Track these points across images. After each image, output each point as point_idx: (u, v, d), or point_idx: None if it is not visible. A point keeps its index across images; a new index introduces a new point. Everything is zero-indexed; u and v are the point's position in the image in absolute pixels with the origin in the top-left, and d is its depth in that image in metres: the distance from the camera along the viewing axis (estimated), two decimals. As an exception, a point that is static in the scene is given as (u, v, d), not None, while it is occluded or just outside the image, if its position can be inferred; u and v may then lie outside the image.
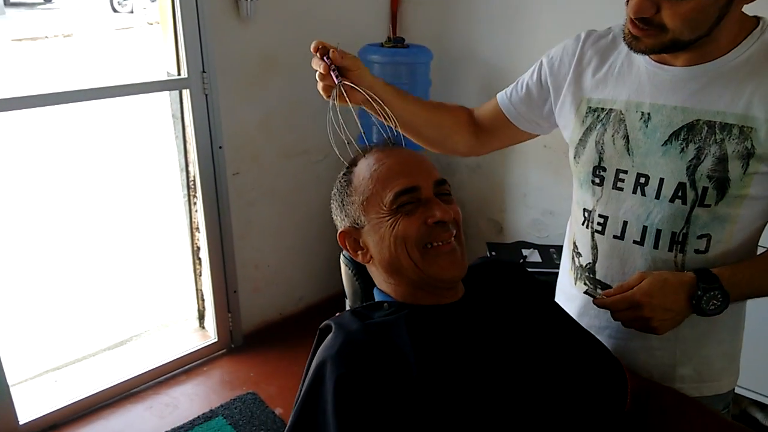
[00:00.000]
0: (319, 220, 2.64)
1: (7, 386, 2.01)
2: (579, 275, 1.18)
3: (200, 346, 2.52)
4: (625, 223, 1.06)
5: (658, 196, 1.01)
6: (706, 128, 0.96)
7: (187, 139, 2.30)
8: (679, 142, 0.98)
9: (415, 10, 2.66)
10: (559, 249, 1.53)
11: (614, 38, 1.10)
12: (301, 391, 0.88)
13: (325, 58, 1.05)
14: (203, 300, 2.61)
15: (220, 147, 2.28)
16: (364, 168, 0.98)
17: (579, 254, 1.17)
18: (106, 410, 2.22)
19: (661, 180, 1.01)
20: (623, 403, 1.03)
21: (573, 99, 1.13)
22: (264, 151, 2.44)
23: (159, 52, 2.24)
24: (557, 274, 1.30)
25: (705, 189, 0.97)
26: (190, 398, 2.30)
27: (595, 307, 1.06)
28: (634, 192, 1.04)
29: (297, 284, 2.75)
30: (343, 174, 1.02)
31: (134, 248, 3.61)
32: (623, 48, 1.04)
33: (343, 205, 1.00)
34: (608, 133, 1.06)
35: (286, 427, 0.85)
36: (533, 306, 1.06)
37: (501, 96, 1.27)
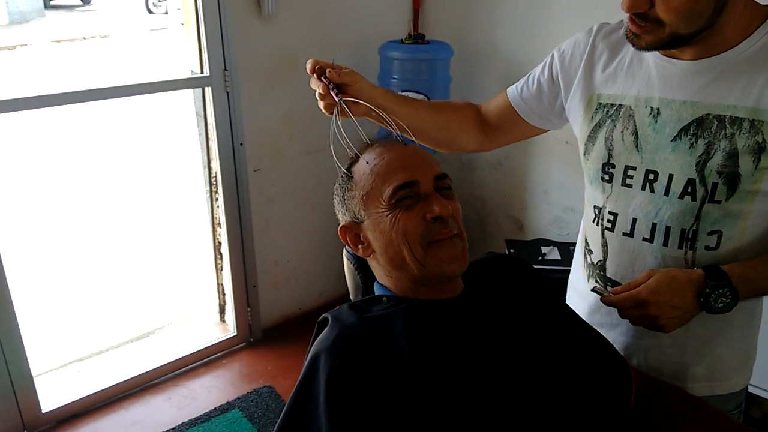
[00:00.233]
0: (339, 217, 2.65)
1: (31, 376, 2.07)
2: (591, 273, 1.16)
3: (220, 340, 2.56)
4: (635, 220, 1.04)
5: (667, 193, 0.99)
6: (716, 123, 0.93)
7: (210, 136, 2.33)
8: (689, 137, 0.96)
9: (437, 7, 2.65)
10: (579, 247, 1.51)
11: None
12: None
13: (322, 77, 1.05)
14: (224, 294, 2.64)
15: (241, 144, 2.31)
16: (365, 163, 0.98)
17: (590, 251, 1.16)
18: (126, 401, 2.27)
19: (671, 176, 0.98)
20: (627, 402, 1.01)
21: (583, 94, 1.11)
22: (285, 148, 2.46)
23: (184, 50, 2.28)
24: (575, 272, 1.28)
25: (715, 185, 0.94)
26: (209, 390, 2.34)
27: (616, 308, 1.04)
28: (643, 189, 1.02)
29: (316, 280, 2.77)
30: (345, 169, 1.02)
31: (159, 243, 3.68)
32: None
33: (344, 199, 1.01)
34: (617, 129, 1.04)
35: (280, 417, 0.86)
36: (537, 302, 1.05)
37: (511, 91, 1.25)
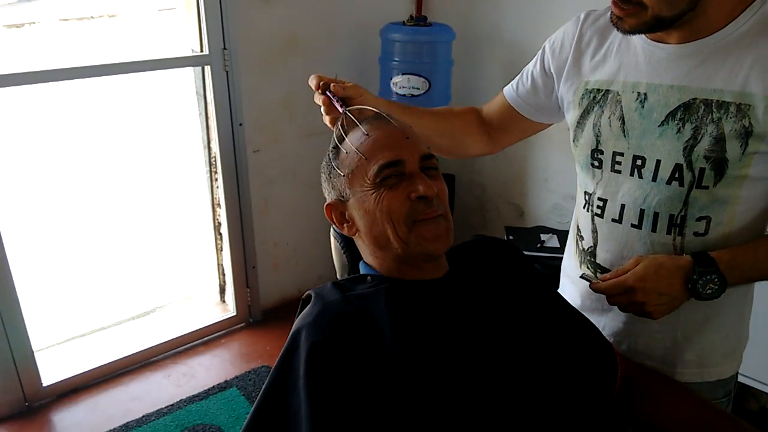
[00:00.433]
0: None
1: (32, 351, 2.10)
2: (582, 259, 1.16)
3: (220, 319, 2.58)
4: (623, 206, 1.04)
5: (654, 179, 0.99)
6: (703, 107, 0.93)
7: (209, 115, 2.34)
8: (676, 122, 0.95)
9: (441, -10, 2.63)
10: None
11: None
12: None
13: (327, 92, 1.06)
14: (224, 275, 2.66)
15: (241, 124, 2.31)
16: (351, 141, 0.98)
17: (581, 238, 1.16)
18: (126, 377, 2.30)
19: (658, 162, 0.98)
20: (612, 388, 1.02)
21: (572, 82, 1.11)
22: (285, 130, 2.46)
23: (185, 29, 2.28)
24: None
25: (702, 170, 0.94)
26: (207, 369, 2.36)
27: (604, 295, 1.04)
28: (632, 174, 1.02)
29: (316, 263, 2.78)
30: (332, 147, 1.02)
31: (162, 222, 3.70)
32: None
33: (330, 177, 1.01)
34: (605, 115, 1.04)
35: (261, 391, 0.87)
36: (523, 286, 1.05)
37: (508, 90, 1.25)
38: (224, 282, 2.68)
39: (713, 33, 0.92)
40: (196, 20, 2.16)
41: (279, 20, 2.28)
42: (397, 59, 2.34)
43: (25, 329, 2.06)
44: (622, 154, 1.02)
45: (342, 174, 0.97)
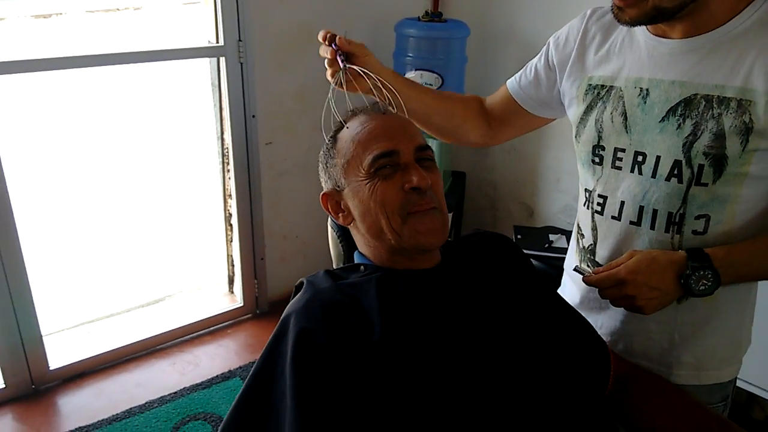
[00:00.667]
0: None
1: (41, 335, 2.13)
2: (582, 257, 1.15)
3: (227, 310, 2.60)
4: (623, 203, 1.03)
5: (654, 175, 0.97)
6: (703, 102, 0.91)
7: (223, 107, 2.35)
8: (676, 118, 0.94)
9: (459, -15, 2.62)
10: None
11: None
12: None
13: (333, 45, 1.06)
14: (233, 266, 2.68)
15: (253, 116, 2.32)
16: (348, 131, 0.98)
17: (582, 236, 1.15)
18: (131, 363, 2.32)
19: (658, 158, 0.96)
20: (604, 386, 1.00)
21: (576, 77, 1.10)
22: (297, 123, 2.46)
23: (201, 20, 2.30)
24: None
25: (701, 167, 0.92)
26: (212, 358, 2.38)
27: (596, 288, 1.03)
28: (632, 171, 1.00)
29: (324, 257, 2.73)
30: (330, 136, 1.02)
31: (175, 212, 3.73)
32: None
33: (327, 167, 1.01)
34: (607, 111, 1.03)
35: (248, 376, 0.87)
36: (517, 280, 1.04)
37: (511, 82, 1.25)
38: (233, 273, 2.70)
39: (716, 28, 0.90)
40: (213, 11, 2.18)
41: (294, 13, 2.29)
42: (411, 55, 2.34)
43: (35, 313, 2.09)
44: (623, 150, 1.01)
45: (338, 164, 0.97)
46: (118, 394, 2.16)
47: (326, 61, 1.08)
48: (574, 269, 1.08)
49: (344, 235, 1.08)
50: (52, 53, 1.94)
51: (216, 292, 2.77)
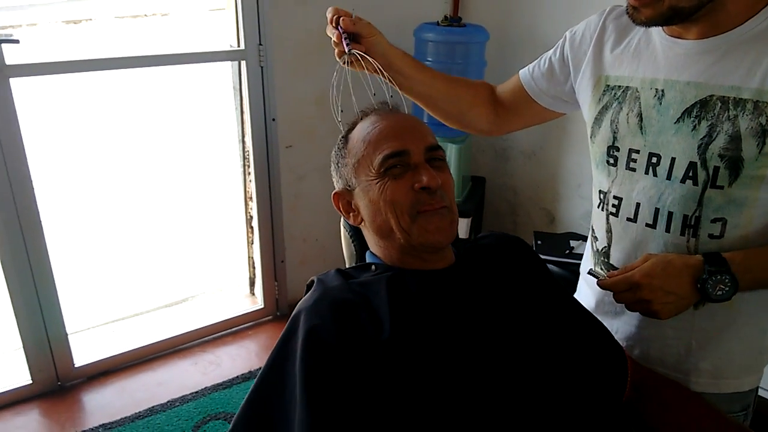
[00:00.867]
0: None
1: (66, 333, 2.18)
2: (596, 260, 1.14)
3: (248, 311, 2.63)
4: (638, 204, 1.02)
5: (669, 177, 0.96)
6: (719, 104, 0.90)
7: (244, 110, 2.38)
8: (692, 119, 0.93)
9: (479, -10, 2.62)
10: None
11: None
12: None
13: (338, 27, 1.06)
14: (254, 268, 2.71)
15: (274, 119, 2.35)
16: (359, 131, 0.99)
17: (596, 238, 1.14)
18: (154, 362, 2.36)
19: (673, 159, 0.96)
20: (621, 392, 0.99)
21: (591, 75, 1.09)
22: (317, 127, 2.48)
23: (223, 24, 2.33)
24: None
25: (716, 169, 0.91)
26: (233, 359, 2.41)
27: (611, 292, 1.02)
28: (647, 172, 1.00)
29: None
30: (342, 136, 1.03)
31: (198, 214, 3.79)
32: None
33: (338, 166, 1.02)
34: (623, 112, 1.02)
35: (259, 373, 0.89)
36: (533, 283, 1.04)
37: (523, 72, 1.25)
38: (254, 275, 2.73)
39: (732, 28, 0.90)
40: (234, 15, 2.22)
41: (313, 18, 2.30)
42: (430, 59, 2.34)
43: (61, 312, 2.14)
44: (638, 152, 1.00)
45: (349, 163, 0.98)
46: (141, 392, 2.20)
47: (332, 42, 1.09)
48: (588, 272, 1.08)
49: (356, 234, 1.09)
50: (78, 56, 1.99)
51: (237, 293, 2.80)
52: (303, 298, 0.93)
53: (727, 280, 0.89)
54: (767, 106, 0.86)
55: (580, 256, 2.18)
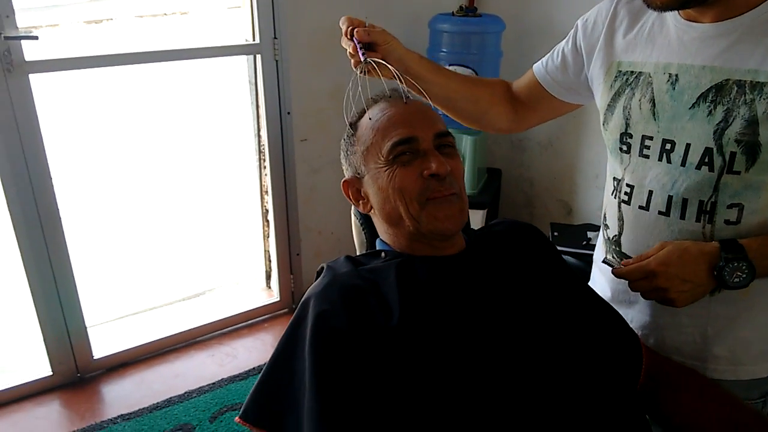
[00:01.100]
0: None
1: (85, 326, 2.21)
2: (608, 248, 1.12)
3: (264, 304, 2.64)
4: (651, 192, 1.00)
5: (684, 163, 0.94)
6: (735, 88, 0.88)
7: (259, 104, 2.39)
8: (707, 104, 0.91)
9: (494, -20, 2.60)
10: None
11: None
12: None
13: (353, 39, 1.05)
14: (270, 261, 2.72)
15: (288, 113, 2.35)
16: (368, 118, 0.99)
17: (607, 226, 1.12)
18: (171, 354, 2.39)
19: (688, 145, 0.94)
20: (636, 379, 0.98)
21: (604, 61, 1.07)
22: (331, 120, 2.48)
23: (239, 18, 2.34)
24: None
25: (733, 154, 0.89)
26: (249, 351, 2.42)
27: (626, 281, 1.00)
28: (660, 159, 0.98)
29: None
30: (351, 124, 1.03)
31: (216, 208, 3.81)
32: None
33: (347, 154, 1.02)
34: (636, 98, 1.00)
35: (269, 358, 0.89)
36: (545, 270, 1.02)
37: (537, 66, 1.23)
38: (270, 268, 2.74)
39: (749, 10, 0.87)
40: (249, 9, 2.22)
41: (328, 11, 2.30)
42: (444, 50, 2.33)
43: (80, 306, 2.17)
44: (651, 138, 0.98)
45: (358, 151, 0.98)
46: (159, 383, 2.22)
47: (348, 52, 1.08)
48: (603, 261, 1.06)
49: (367, 222, 1.09)
50: (96, 51, 2.01)
51: (253, 286, 2.82)
52: (313, 284, 0.93)
53: (744, 267, 0.87)
54: None
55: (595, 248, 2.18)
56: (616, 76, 1.04)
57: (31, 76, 1.84)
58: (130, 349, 2.33)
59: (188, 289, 2.78)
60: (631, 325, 1.05)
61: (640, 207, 1.02)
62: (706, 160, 0.92)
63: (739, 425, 0.93)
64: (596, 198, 2.48)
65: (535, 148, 2.65)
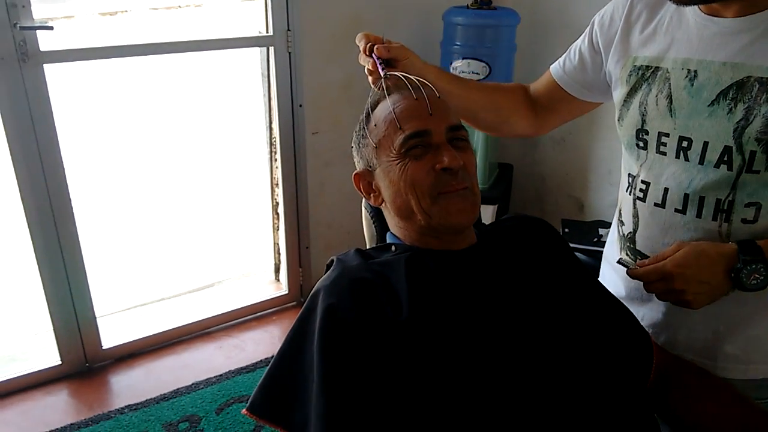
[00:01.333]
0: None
1: (95, 316, 2.22)
2: (622, 245, 1.11)
3: (272, 297, 2.64)
4: (666, 189, 0.98)
5: (702, 162, 0.92)
6: (757, 86, 0.86)
7: (272, 96, 2.38)
8: (727, 102, 0.88)
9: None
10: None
11: None
12: None
13: (372, 54, 1.04)
14: (279, 254, 2.72)
15: (300, 105, 2.34)
16: (380, 111, 0.97)
17: (622, 223, 1.10)
18: (179, 345, 2.39)
19: (705, 144, 0.91)
20: (646, 377, 0.97)
21: (620, 57, 1.05)
22: (344, 113, 2.47)
23: (253, 10, 2.34)
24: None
25: (753, 153, 0.87)
26: (257, 343, 2.42)
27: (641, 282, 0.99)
28: (677, 157, 0.96)
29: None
30: (363, 116, 1.02)
31: (226, 200, 3.82)
32: None
33: (359, 147, 1.01)
34: (652, 94, 0.98)
35: (278, 350, 0.88)
36: (556, 266, 1.01)
37: (554, 67, 1.21)
38: (279, 261, 2.74)
39: None
40: (263, 2, 2.21)
41: (342, 3, 2.29)
42: (458, 43, 2.31)
43: (90, 296, 2.18)
44: (667, 135, 0.96)
45: (370, 144, 0.97)
46: (166, 374, 2.23)
47: (366, 69, 1.07)
48: (618, 262, 1.05)
49: (377, 215, 1.08)
50: (104, 42, 2.01)
51: (262, 279, 2.82)
52: (322, 277, 0.92)
53: (762, 270, 0.86)
54: None
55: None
56: (631, 71, 1.02)
57: (45, 66, 1.85)
58: (138, 339, 2.34)
59: (197, 280, 2.79)
60: (642, 323, 1.04)
61: (656, 204, 1.00)
62: (725, 158, 0.90)
63: (749, 425, 0.91)
64: (608, 195, 2.45)
65: (548, 144, 2.63)
